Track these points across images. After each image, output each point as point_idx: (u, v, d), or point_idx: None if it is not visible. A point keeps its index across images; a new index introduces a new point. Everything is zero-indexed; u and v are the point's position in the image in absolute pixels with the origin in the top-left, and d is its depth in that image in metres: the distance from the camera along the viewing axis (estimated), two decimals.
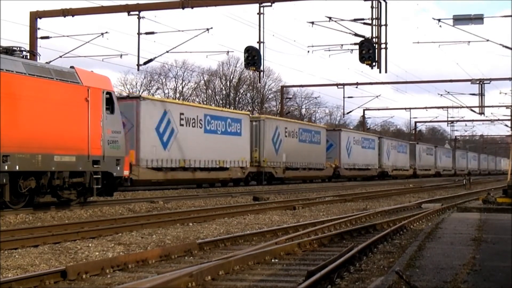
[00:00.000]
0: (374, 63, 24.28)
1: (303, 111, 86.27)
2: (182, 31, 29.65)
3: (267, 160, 40.28)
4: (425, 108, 72.70)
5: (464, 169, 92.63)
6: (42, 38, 28.23)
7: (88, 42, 28.50)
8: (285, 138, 43.25)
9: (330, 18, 27.04)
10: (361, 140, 58.17)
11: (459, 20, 28.74)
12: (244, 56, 25.75)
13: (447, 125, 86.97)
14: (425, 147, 78.94)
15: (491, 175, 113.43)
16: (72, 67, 18.92)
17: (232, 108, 69.04)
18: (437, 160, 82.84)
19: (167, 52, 29.77)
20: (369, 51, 24.13)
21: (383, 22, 24.84)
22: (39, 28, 28.09)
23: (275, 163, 41.35)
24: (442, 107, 68.15)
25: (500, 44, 32.74)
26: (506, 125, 73.03)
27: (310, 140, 47.52)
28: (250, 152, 38.39)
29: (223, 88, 75.94)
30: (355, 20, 25.98)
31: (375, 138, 63.26)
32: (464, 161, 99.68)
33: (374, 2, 24.82)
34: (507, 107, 60.22)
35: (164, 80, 72.69)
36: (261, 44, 25.81)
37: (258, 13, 25.96)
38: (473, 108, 55.75)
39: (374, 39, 24.60)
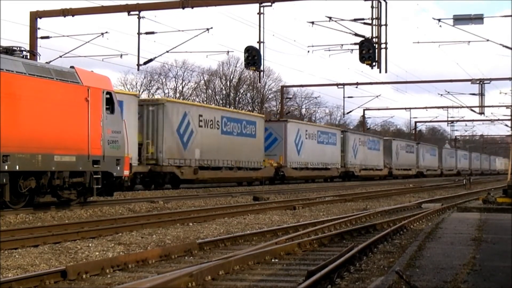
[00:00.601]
0: (374, 63, 24.29)
1: (303, 111, 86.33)
2: (182, 31, 29.68)
3: (168, 157, 31.65)
4: (425, 108, 72.84)
5: (452, 169, 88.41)
6: (42, 38, 28.23)
7: (88, 42, 28.52)
8: (200, 129, 34.43)
9: (330, 18, 27.05)
10: (317, 134, 49.75)
11: (459, 20, 28.74)
12: (244, 56, 25.75)
13: (447, 125, 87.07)
14: (403, 143, 71.36)
15: (484, 175, 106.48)
16: (72, 67, 18.91)
17: (232, 108, 69.10)
18: (420, 158, 74.42)
19: (167, 52, 29.79)
20: (369, 51, 24.13)
21: (383, 22, 24.85)
22: (39, 28, 28.09)
23: (182, 160, 32.78)
24: (442, 107, 68.22)
25: (500, 44, 32.75)
26: (506, 125, 73.13)
27: (240, 132, 38.64)
28: (140, 146, 30.30)
29: (223, 88, 75.99)
30: (355, 20, 25.99)
31: (337, 132, 54.89)
32: (453, 160, 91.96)
33: (374, 2, 24.83)
34: (507, 107, 60.25)
35: (164, 80, 72.81)
36: (261, 44, 25.81)
37: (258, 13, 25.97)
38: (473, 108, 55.79)
39: (374, 39, 24.60)
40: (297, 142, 45.94)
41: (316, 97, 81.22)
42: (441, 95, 54.45)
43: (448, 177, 76.18)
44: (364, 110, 68.56)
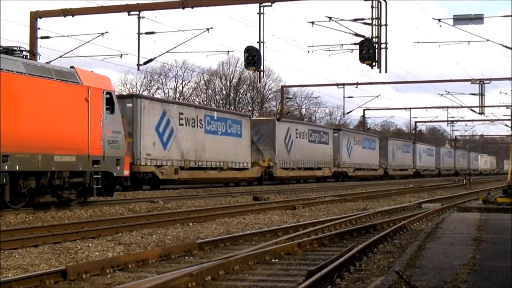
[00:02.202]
0: (374, 63, 24.29)
1: (303, 111, 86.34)
2: (182, 31, 29.69)
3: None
4: (425, 108, 72.92)
5: (432, 169, 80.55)
6: (42, 38, 28.22)
7: (88, 42, 28.52)
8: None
9: (330, 18, 27.06)
10: (308, 132, 47.42)
11: (459, 20, 28.75)
12: (244, 56, 25.75)
13: (447, 125, 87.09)
14: (400, 143, 68.91)
15: (473, 175, 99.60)
16: (72, 67, 18.92)
17: (232, 108, 69.09)
18: (389, 156, 65.56)
19: (167, 52, 29.79)
20: (369, 51, 24.13)
21: (383, 22, 24.86)
22: (39, 28, 28.09)
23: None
24: (442, 107, 68.28)
25: (500, 44, 32.77)
26: (506, 125, 73.16)
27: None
28: None
29: (223, 88, 75.98)
30: (355, 20, 25.99)
31: (329, 131, 52.06)
32: (431, 158, 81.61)
33: (374, 2, 24.83)
34: (507, 107, 60.27)
35: (164, 80, 72.81)
36: (261, 44, 25.82)
37: (258, 13, 25.97)
38: (473, 108, 55.84)
39: (374, 39, 24.60)
40: (287, 141, 43.63)
41: (316, 97, 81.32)
42: (441, 95, 54.53)
43: (447, 177, 75.22)
44: (364, 110, 68.65)
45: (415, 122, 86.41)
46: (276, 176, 41.71)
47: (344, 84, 52.93)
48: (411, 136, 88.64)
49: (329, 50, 32.95)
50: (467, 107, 57.53)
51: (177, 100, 61.87)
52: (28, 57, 19.12)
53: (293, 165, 44.10)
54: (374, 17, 24.86)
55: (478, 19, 28.61)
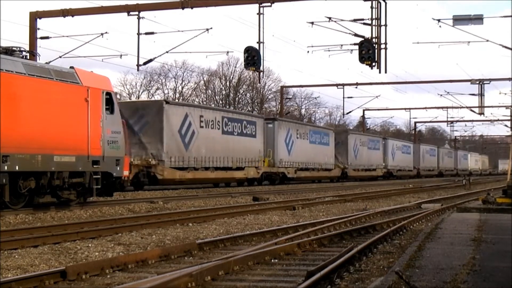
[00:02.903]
0: (374, 63, 24.30)
1: (303, 111, 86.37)
2: (182, 31, 29.69)
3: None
4: (425, 108, 72.87)
5: (410, 169, 71.05)
6: (42, 38, 28.24)
7: (88, 42, 28.53)
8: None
9: (330, 18, 27.07)
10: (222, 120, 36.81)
11: (459, 20, 28.76)
12: (244, 56, 25.76)
13: (447, 125, 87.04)
14: (366, 138, 59.75)
15: (459, 176, 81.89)
16: (71, 67, 18.92)
17: (232, 108, 69.09)
18: (350, 153, 55.70)
19: (167, 52, 29.81)
20: (369, 51, 24.14)
21: (383, 22, 24.87)
22: (39, 28, 28.11)
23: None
24: (442, 107, 68.33)
25: (500, 44, 32.79)
26: (506, 125, 73.13)
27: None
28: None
29: (223, 88, 76.00)
30: (355, 20, 26.00)
31: (257, 120, 41.45)
32: (407, 156, 71.75)
33: (374, 2, 24.84)
34: (507, 107, 60.29)
35: (164, 80, 72.85)
36: (261, 44, 25.84)
37: (257, 13, 25.99)
38: (473, 108, 55.89)
39: (374, 39, 24.61)
40: (184, 132, 33.63)
41: (316, 97, 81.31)
42: (441, 95, 54.57)
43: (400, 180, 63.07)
44: (363, 110, 68.68)
45: (415, 123, 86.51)
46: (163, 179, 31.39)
47: (343, 85, 52.97)
48: (410, 137, 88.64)
49: (329, 50, 32.95)
50: (467, 107, 57.59)
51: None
52: (28, 57, 19.11)
53: (193, 164, 33.47)
54: (373, 17, 24.87)
55: (477, 19, 28.62)
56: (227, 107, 70.52)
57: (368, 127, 74.23)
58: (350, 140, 55.33)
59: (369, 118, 76.07)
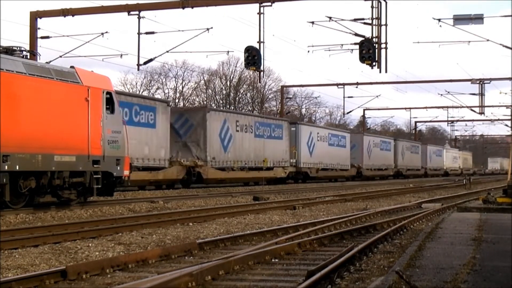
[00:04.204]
0: (374, 63, 24.29)
1: (303, 111, 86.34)
2: (182, 31, 29.68)
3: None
4: (425, 108, 72.93)
5: (345, 167, 54.37)
6: (42, 38, 28.22)
7: (88, 42, 28.51)
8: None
9: (330, 18, 27.05)
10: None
11: (459, 20, 28.76)
12: (244, 56, 25.76)
13: (447, 125, 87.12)
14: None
15: (435, 176, 74.56)
16: (72, 67, 18.92)
17: (232, 108, 69.12)
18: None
19: (167, 52, 29.78)
20: (369, 51, 24.14)
21: (383, 22, 24.86)
22: (39, 28, 28.09)
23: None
24: (442, 107, 68.32)
25: (500, 44, 32.79)
26: (506, 125, 73.16)
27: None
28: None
29: (223, 88, 75.99)
30: (355, 20, 25.99)
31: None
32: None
33: (374, 2, 24.83)
34: (507, 107, 60.29)
35: (164, 80, 72.83)
36: (261, 44, 25.83)
37: (258, 13, 25.98)
38: (473, 108, 55.89)
39: (374, 39, 24.60)
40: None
41: (316, 97, 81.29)
42: (441, 95, 54.56)
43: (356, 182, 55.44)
44: (364, 110, 68.66)
45: (415, 122, 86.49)
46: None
47: (344, 84, 52.95)
48: (411, 136, 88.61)
49: (329, 50, 32.95)
50: (467, 107, 57.60)
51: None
52: (28, 57, 19.12)
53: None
54: (374, 17, 24.87)
55: (478, 19, 28.62)
56: (228, 107, 70.52)
57: (368, 126, 74.20)
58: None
59: (369, 117, 76.15)
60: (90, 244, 11.60)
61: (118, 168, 19.96)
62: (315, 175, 48.08)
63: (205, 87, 75.53)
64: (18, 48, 17.69)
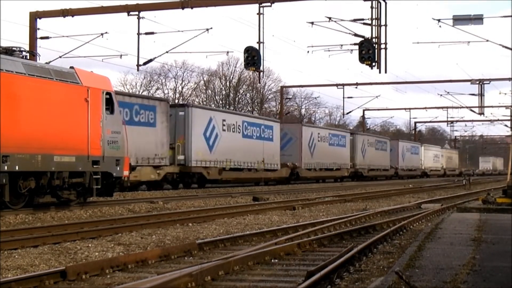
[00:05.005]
0: (374, 63, 24.30)
1: (303, 111, 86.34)
2: (182, 31, 29.67)
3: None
4: (425, 108, 72.83)
5: (320, 167, 48.21)
6: (41, 38, 28.23)
7: (88, 42, 28.52)
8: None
9: (330, 18, 27.06)
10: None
11: (459, 20, 28.77)
12: (244, 56, 25.76)
13: (447, 125, 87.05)
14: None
15: (410, 178, 67.21)
16: (71, 67, 18.91)
17: (232, 108, 69.11)
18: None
19: (167, 52, 29.78)
20: (369, 51, 24.14)
21: (383, 22, 24.87)
22: (38, 29, 28.10)
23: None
24: (442, 107, 68.37)
25: (500, 44, 32.78)
26: (506, 125, 73.17)
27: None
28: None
29: (223, 88, 75.97)
30: (355, 20, 26.00)
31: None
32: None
33: (374, 2, 24.84)
34: (506, 107, 60.32)
35: (163, 81, 72.81)
36: (261, 44, 25.83)
37: (257, 13, 25.99)
38: (473, 108, 55.93)
39: (374, 39, 24.61)
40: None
41: (315, 98, 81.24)
42: (441, 95, 54.58)
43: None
44: (363, 110, 68.66)
45: (415, 123, 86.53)
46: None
47: (343, 85, 52.97)
48: (410, 137, 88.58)
49: (329, 50, 32.92)
50: (467, 107, 57.62)
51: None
52: (28, 57, 19.12)
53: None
54: (373, 17, 24.87)
55: (477, 19, 28.63)
56: (227, 107, 70.51)
57: (368, 127, 74.20)
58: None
59: (369, 118, 76.11)
60: (89, 245, 11.59)
61: (118, 168, 19.95)
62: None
63: (204, 87, 75.54)
64: (18, 49, 17.68)
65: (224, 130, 36.43)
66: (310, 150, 47.17)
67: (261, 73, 27.01)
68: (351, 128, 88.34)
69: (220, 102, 74.66)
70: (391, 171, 65.09)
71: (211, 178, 35.04)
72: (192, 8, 26.92)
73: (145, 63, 29.23)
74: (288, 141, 45.83)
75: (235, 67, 73.65)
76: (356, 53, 24.90)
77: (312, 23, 28.35)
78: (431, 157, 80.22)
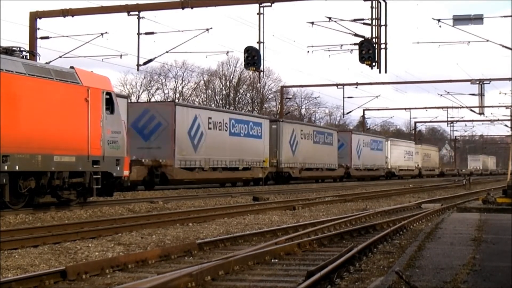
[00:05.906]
0: (374, 63, 24.30)
1: (303, 111, 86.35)
2: (182, 31, 29.68)
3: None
4: (425, 108, 72.81)
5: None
6: (42, 38, 28.23)
7: (88, 42, 28.53)
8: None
9: (330, 18, 27.07)
10: None
11: (459, 20, 28.78)
12: (244, 56, 25.76)
13: (447, 125, 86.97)
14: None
15: (374, 179, 58.71)
16: (72, 67, 18.91)
17: (232, 108, 69.10)
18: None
19: (167, 52, 29.80)
20: (369, 51, 24.14)
21: (383, 22, 24.88)
22: (39, 28, 28.10)
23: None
24: (442, 107, 68.33)
25: (500, 44, 32.79)
26: (506, 125, 73.17)
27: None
28: None
29: (223, 88, 76.01)
30: (355, 20, 26.00)
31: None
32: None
33: (374, 2, 24.84)
34: (506, 107, 60.33)
35: (164, 80, 72.87)
36: (261, 44, 25.84)
37: (257, 13, 25.99)
38: (473, 108, 55.89)
39: (374, 39, 24.61)
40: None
41: (316, 97, 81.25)
42: (441, 95, 54.59)
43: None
44: (364, 110, 68.65)
45: (415, 123, 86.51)
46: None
47: (344, 84, 52.97)
48: (410, 137, 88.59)
49: (329, 50, 32.96)
50: (467, 107, 57.60)
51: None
52: (28, 57, 19.12)
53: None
54: (373, 17, 24.88)
55: (477, 19, 28.63)
56: (227, 107, 70.52)
57: (368, 127, 74.19)
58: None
59: (369, 118, 76.12)
60: (89, 245, 11.59)
61: (118, 168, 19.95)
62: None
63: (204, 87, 75.56)
64: (18, 49, 17.68)
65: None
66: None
67: (261, 73, 27.01)
68: (351, 128, 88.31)
69: (220, 102, 74.67)
70: (339, 170, 52.68)
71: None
72: (192, 8, 26.93)
73: (145, 63, 29.25)
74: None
75: (235, 67, 73.77)
76: (356, 53, 24.93)
77: (312, 23, 28.37)
78: (400, 154, 68.04)
